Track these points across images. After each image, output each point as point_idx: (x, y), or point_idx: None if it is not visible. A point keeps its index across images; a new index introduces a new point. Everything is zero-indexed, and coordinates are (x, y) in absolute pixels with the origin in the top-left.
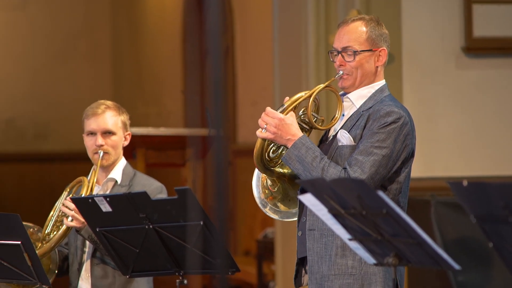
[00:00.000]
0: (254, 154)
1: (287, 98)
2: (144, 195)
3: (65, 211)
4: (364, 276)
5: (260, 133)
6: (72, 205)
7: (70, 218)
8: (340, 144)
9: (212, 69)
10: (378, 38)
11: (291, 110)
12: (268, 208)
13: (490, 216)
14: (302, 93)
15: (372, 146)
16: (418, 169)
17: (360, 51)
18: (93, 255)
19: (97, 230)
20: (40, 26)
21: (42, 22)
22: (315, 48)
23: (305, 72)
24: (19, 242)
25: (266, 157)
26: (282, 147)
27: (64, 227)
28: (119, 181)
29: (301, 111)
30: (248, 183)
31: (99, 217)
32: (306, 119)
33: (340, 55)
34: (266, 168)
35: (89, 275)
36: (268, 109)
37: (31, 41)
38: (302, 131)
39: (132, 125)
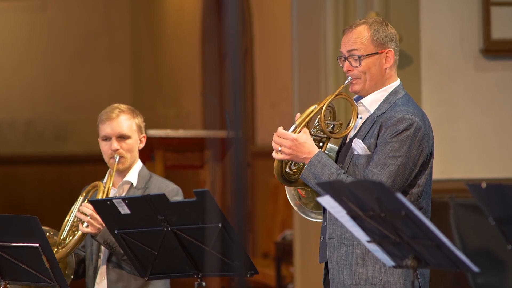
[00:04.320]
0: (274, 172)
1: (298, 114)
2: (162, 197)
3: (80, 217)
4: (385, 286)
5: (276, 154)
6: (89, 211)
7: (85, 224)
8: (355, 153)
9: (231, 70)
10: (383, 39)
11: (304, 126)
12: (296, 208)
13: (509, 218)
14: (313, 106)
15: (387, 156)
16: (437, 171)
17: (365, 55)
18: (108, 260)
19: (116, 232)
20: (59, 27)
21: (62, 24)
22: (334, 49)
23: (324, 73)
24: (38, 245)
25: (286, 173)
26: None
27: (79, 233)
28: (134, 184)
29: (316, 121)
30: (266, 184)
31: (118, 220)
32: (321, 132)
33: (347, 60)
34: (289, 181)
35: (105, 279)
36: (280, 130)
37: (51, 43)
38: (320, 142)
39: (151, 126)
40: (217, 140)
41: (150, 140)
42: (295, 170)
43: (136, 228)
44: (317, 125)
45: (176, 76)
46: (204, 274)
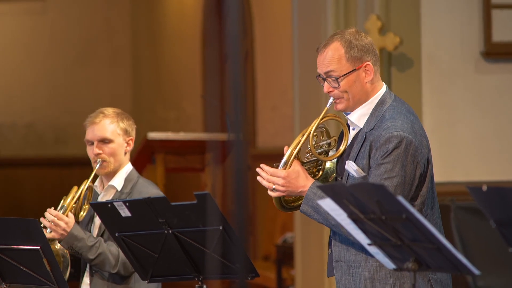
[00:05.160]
0: (275, 205)
1: (286, 147)
2: (163, 200)
3: (44, 223)
4: None
5: (271, 192)
6: (51, 217)
7: (49, 230)
8: (350, 175)
9: (231, 73)
10: (359, 53)
11: (294, 159)
12: None
13: (510, 221)
14: (299, 136)
15: (381, 179)
16: (438, 174)
17: (342, 76)
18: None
19: (117, 235)
20: (60, 31)
21: (62, 27)
22: None
23: None
24: (38, 247)
25: (285, 201)
26: None
27: None
28: (119, 188)
29: (309, 146)
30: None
31: (119, 222)
32: (314, 156)
33: (326, 82)
34: (290, 208)
35: (88, 283)
36: (269, 169)
37: (51, 46)
38: (318, 161)
39: (151, 129)
40: (217, 143)
41: (151, 143)
42: (295, 197)
43: (137, 231)
44: (309, 150)
45: (176, 79)
46: (205, 277)
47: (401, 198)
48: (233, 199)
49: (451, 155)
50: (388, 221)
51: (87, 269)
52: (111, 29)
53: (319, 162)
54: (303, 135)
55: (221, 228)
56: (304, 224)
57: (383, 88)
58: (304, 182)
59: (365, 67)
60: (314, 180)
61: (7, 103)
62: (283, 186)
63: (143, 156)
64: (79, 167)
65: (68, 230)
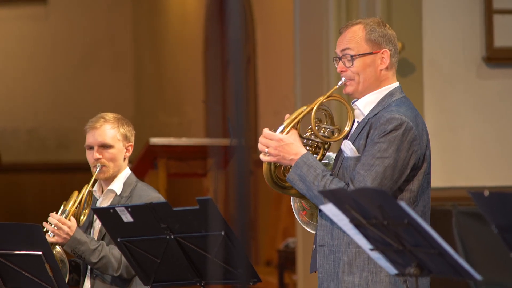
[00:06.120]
0: (264, 177)
1: (287, 115)
2: (165, 205)
3: (46, 227)
4: None
5: (263, 156)
6: (54, 221)
7: (51, 234)
8: (345, 155)
9: (233, 78)
10: (379, 39)
11: (292, 127)
12: (303, 224)
13: (511, 226)
14: (303, 108)
15: (374, 157)
16: (440, 179)
17: (357, 55)
18: (92, 269)
19: (119, 240)
20: (62, 36)
21: (64, 32)
22: None
23: (327, 81)
24: (41, 253)
25: (277, 177)
26: None
27: None
28: (118, 192)
29: (310, 125)
30: (269, 192)
31: (121, 227)
32: (314, 135)
33: (340, 61)
34: (282, 187)
35: (90, 286)
36: (266, 131)
37: (53, 51)
38: (316, 148)
39: (153, 134)
40: (219, 148)
41: (153, 148)
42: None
43: (139, 236)
44: (310, 128)
45: (178, 84)
46: (207, 282)
47: (403, 204)
48: (235, 204)
49: (453, 160)
50: (390, 226)
51: (88, 273)
52: (113, 34)
53: (318, 147)
54: (306, 108)
55: (223, 233)
56: (305, 229)
57: (396, 84)
58: (297, 150)
59: (382, 53)
60: (307, 151)
61: (10, 109)
62: (275, 149)
63: (145, 161)
64: (81, 172)
65: (71, 234)
